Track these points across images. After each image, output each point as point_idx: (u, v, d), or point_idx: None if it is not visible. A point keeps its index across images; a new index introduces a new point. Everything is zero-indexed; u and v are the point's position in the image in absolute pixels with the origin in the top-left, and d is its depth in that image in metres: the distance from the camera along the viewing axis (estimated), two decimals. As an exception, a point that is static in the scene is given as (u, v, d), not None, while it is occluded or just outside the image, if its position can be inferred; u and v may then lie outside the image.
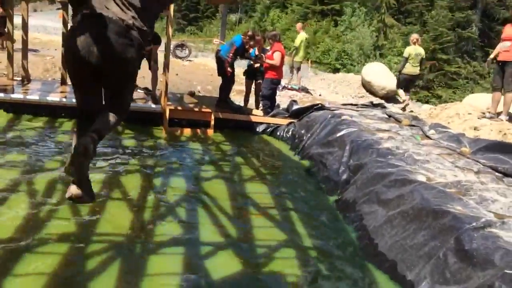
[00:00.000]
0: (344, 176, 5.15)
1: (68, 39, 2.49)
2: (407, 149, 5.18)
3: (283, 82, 12.90)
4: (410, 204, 3.71)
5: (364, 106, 8.64)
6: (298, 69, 12.58)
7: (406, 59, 9.40)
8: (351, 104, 8.81)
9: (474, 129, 6.70)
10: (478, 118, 7.05)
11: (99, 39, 2.35)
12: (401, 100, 10.00)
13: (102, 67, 2.42)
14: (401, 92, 10.00)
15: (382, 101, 11.65)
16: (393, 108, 9.83)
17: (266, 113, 8.02)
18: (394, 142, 5.51)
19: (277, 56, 7.83)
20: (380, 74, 14.06)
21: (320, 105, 7.81)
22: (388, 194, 4.08)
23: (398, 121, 7.06)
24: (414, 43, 9.46)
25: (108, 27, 2.36)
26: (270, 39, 8.24)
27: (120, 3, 2.47)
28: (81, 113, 2.69)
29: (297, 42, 11.88)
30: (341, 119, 6.56)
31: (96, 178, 4.58)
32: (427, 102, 17.82)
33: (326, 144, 6.08)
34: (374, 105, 8.88)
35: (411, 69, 9.40)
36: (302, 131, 7.11)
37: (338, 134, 5.99)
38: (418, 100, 17.71)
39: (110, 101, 2.63)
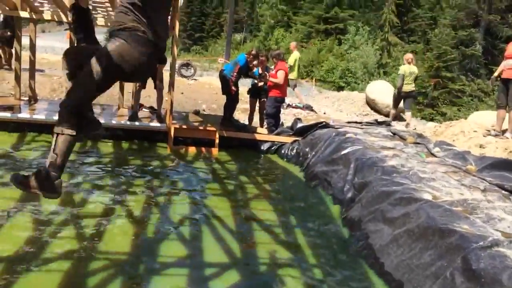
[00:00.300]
0: (349, 194, 5.12)
1: None
2: (412, 167, 5.15)
3: (287, 100, 12.96)
4: (416, 223, 3.67)
5: (369, 124, 8.64)
6: (294, 86, 12.62)
7: (403, 77, 9.79)
8: (356, 122, 8.82)
9: (480, 146, 6.67)
10: (483, 136, 7.03)
11: None
12: (391, 118, 10.42)
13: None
14: (393, 111, 10.56)
15: (387, 119, 11.64)
16: (398, 126, 9.83)
17: (270, 131, 8.04)
18: (399, 160, 5.49)
19: (280, 74, 7.89)
20: (384, 92, 14.09)
21: (324, 123, 7.82)
22: (394, 212, 4.04)
23: (403, 138, 7.04)
24: (409, 63, 9.92)
25: None
26: (274, 58, 8.32)
27: None
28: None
29: (291, 61, 11.99)
30: (345, 137, 6.55)
31: (100, 197, 4.59)
32: (431, 120, 17.80)
33: (331, 162, 6.07)
34: (378, 123, 8.87)
35: (406, 87, 9.85)
36: (307, 149, 7.10)
37: (343, 152, 5.98)
38: (422, 118, 17.69)
39: None
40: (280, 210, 4.96)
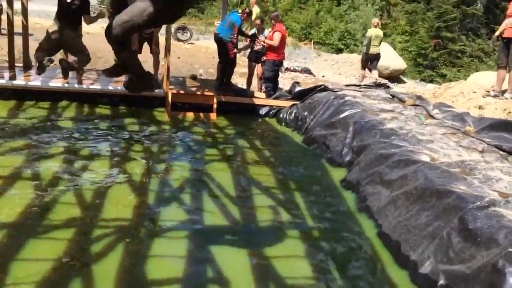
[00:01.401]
0: (348, 158, 5.14)
1: None
2: (410, 129, 5.15)
3: (285, 63, 12.81)
4: (414, 185, 3.70)
5: (368, 86, 8.57)
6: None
7: (370, 40, 10.14)
8: (354, 85, 8.74)
9: (479, 108, 6.65)
10: (483, 97, 6.99)
11: None
12: (361, 79, 10.64)
13: None
14: (362, 72, 10.79)
15: (386, 81, 11.56)
16: (397, 88, 9.76)
17: (268, 95, 7.97)
18: (397, 122, 5.48)
19: (276, 36, 7.71)
20: (384, 54, 13.91)
21: (323, 86, 7.75)
22: (392, 174, 4.07)
23: (402, 101, 7.01)
24: (375, 26, 10.40)
25: None
26: (272, 20, 8.14)
27: None
28: None
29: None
30: (344, 100, 6.52)
31: (99, 163, 4.61)
32: (431, 82, 17.64)
33: (329, 125, 6.06)
34: (377, 86, 8.80)
35: (373, 49, 10.23)
36: (305, 113, 7.07)
37: (341, 116, 5.96)
38: (422, 80, 17.53)
39: None
40: (279, 173, 4.99)
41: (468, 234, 2.92)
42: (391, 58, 13.78)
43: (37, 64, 6.51)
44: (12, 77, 7.10)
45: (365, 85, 8.80)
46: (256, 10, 11.94)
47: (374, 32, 10.29)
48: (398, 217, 3.61)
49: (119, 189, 4.08)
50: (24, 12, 7.98)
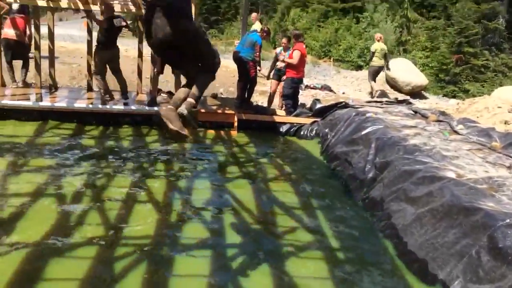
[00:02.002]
0: (370, 174, 5.06)
1: None
2: (435, 145, 5.06)
3: (305, 81, 12.84)
4: (440, 202, 3.61)
5: (389, 102, 8.49)
6: None
7: (373, 54, 11.03)
8: (376, 101, 8.67)
9: (505, 123, 6.51)
10: (508, 112, 6.85)
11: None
12: (374, 90, 11.33)
13: None
14: (373, 83, 11.47)
15: (408, 97, 11.44)
16: (419, 104, 9.65)
17: (288, 112, 7.98)
18: (421, 138, 5.39)
19: (295, 54, 7.77)
20: (405, 70, 13.81)
21: (343, 103, 7.72)
22: (417, 191, 3.99)
23: (424, 117, 6.91)
24: (378, 40, 11.22)
25: None
26: (293, 38, 8.23)
27: None
28: None
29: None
30: (365, 116, 6.46)
31: (122, 181, 4.65)
32: (454, 97, 17.36)
33: (351, 142, 6.00)
34: (399, 102, 8.72)
35: (378, 62, 11.09)
36: (326, 130, 7.03)
37: (363, 132, 5.90)
38: (444, 95, 17.29)
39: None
40: (300, 192, 4.94)
41: (498, 252, 2.82)
42: (412, 74, 13.65)
43: (106, 95, 7.44)
44: (39, 99, 7.30)
45: (386, 101, 8.73)
46: (257, 26, 12.17)
47: (379, 46, 11.02)
48: (424, 235, 3.52)
49: (141, 207, 4.10)
50: (51, 36, 8.25)
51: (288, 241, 3.76)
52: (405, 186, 4.18)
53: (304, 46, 8.17)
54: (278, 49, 8.80)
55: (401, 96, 11.54)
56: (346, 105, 7.55)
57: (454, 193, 3.55)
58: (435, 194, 3.75)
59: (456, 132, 5.90)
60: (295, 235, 3.89)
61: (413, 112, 7.38)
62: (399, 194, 4.19)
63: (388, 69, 11.75)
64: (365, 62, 23.65)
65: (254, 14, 12.88)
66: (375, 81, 11.52)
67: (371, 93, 11.50)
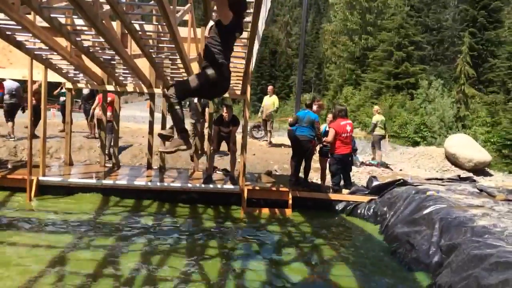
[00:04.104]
0: (436, 258, 4.71)
1: None
2: (506, 226, 4.67)
3: (361, 158, 12.67)
4: (518, 291, 3.25)
5: (451, 180, 8.12)
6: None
7: (375, 125, 12.60)
8: (436, 179, 8.33)
9: None
10: None
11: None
12: (377, 157, 12.55)
13: None
14: (379, 151, 12.69)
15: (470, 174, 10.91)
16: (483, 181, 9.15)
17: (333, 189, 7.83)
18: (490, 219, 5.02)
19: (330, 133, 7.80)
20: (466, 146, 13.31)
21: (402, 180, 7.48)
22: (490, 279, 3.63)
23: (491, 195, 6.50)
24: (378, 113, 13.00)
25: None
26: (333, 115, 8.32)
27: None
28: None
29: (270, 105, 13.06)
30: (426, 195, 6.17)
31: (177, 261, 4.62)
32: (522, 174, 16.37)
33: (412, 222, 5.69)
34: (462, 179, 8.32)
35: (380, 131, 12.68)
36: (385, 209, 6.76)
37: (425, 211, 5.60)
38: (510, 172, 16.35)
39: None
40: (359, 276, 4.66)
41: None
42: (474, 150, 13.11)
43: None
44: (101, 177, 7.67)
45: (448, 178, 8.36)
46: (274, 99, 12.71)
47: (379, 117, 12.79)
48: (503, 330, 3.14)
49: (195, 288, 4.01)
50: (116, 118, 8.83)
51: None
52: (477, 272, 3.83)
53: (342, 122, 7.92)
54: (323, 126, 8.83)
55: (463, 173, 11.04)
56: (404, 183, 7.30)
57: (535, 283, 3.19)
58: (511, 283, 3.39)
59: (529, 213, 5.46)
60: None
61: (478, 191, 6.98)
62: (470, 281, 3.83)
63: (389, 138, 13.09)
64: (422, 137, 23.24)
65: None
66: (380, 149, 12.81)
67: (373, 159, 12.66)
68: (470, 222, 4.80)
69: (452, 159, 13.29)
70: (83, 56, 6.72)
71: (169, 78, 7.75)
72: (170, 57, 6.77)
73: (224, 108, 7.93)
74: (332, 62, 41.91)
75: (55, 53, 6.32)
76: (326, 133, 8.20)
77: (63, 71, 7.61)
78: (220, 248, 5.17)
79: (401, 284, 4.50)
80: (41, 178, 7.17)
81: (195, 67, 7.41)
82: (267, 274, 4.52)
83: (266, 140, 13.55)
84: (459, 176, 8.85)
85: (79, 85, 8.31)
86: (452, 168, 13.02)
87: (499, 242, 4.14)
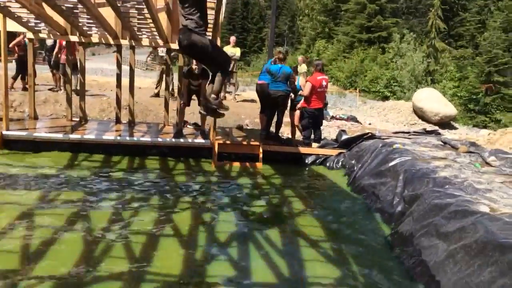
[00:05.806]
0: (399, 208, 4.92)
1: None
2: (466, 177, 4.89)
3: (331, 112, 12.79)
4: (473, 238, 3.45)
5: (417, 133, 8.34)
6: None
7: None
8: (403, 132, 8.53)
9: (540, 154, 6.25)
10: (544, 142, 6.60)
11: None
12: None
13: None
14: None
15: (436, 128, 11.23)
16: (448, 134, 9.44)
17: (303, 143, 7.92)
18: (451, 170, 5.23)
19: (306, 86, 7.74)
20: (433, 100, 13.63)
21: (370, 134, 7.62)
22: (448, 226, 3.83)
23: (454, 148, 6.73)
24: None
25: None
26: (312, 68, 8.26)
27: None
28: None
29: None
30: (393, 147, 6.34)
31: (148, 215, 4.66)
32: (484, 127, 16.98)
33: (378, 174, 5.88)
34: (427, 132, 8.55)
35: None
36: (353, 162, 6.93)
37: (391, 164, 5.77)
38: (474, 126, 16.91)
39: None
40: (326, 225, 4.83)
41: (540, 294, 2.64)
42: (441, 104, 13.44)
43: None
44: (69, 131, 7.49)
45: (414, 131, 8.57)
46: (304, 68, 12.13)
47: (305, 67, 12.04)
48: (458, 273, 3.35)
49: (166, 242, 4.07)
50: (82, 70, 8.54)
51: (315, 276, 3.65)
52: (436, 220, 4.02)
53: (319, 77, 7.93)
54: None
55: (429, 127, 11.33)
56: (372, 136, 7.45)
57: (489, 229, 3.39)
58: (468, 230, 3.59)
59: (488, 164, 5.71)
60: (321, 269, 3.77)
61: (442, 143, 7.22)
62: (430, 229, 4.03)
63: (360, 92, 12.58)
64: (392, 92, 23.53)
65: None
66: None
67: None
68: (432, 173, 4.99)
69: (420, 113, 13.62)
70: (44, 4, 6.37)
71: (136, 28, 7.48)
72: (137, 6, 6.49)
73: (194, 61, 7.75)
74: (305, 15, 41.26)
75: (13, 0, 5.97)
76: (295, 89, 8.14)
77: (23, 20, 7.22)
78: (191, 202, 5.23)
79: (366, 233, 4.69)
80: (4, 132, 6.95)
81: (163, 18, 7.16)
82: (237, 226, 4.62)
83: (238, 94, 13.43)
84: (425, 129, 9.08)
85: (41, 35, 7.93)
86: (419, 121, 13.37)
87: (459, 192, 4.33)
